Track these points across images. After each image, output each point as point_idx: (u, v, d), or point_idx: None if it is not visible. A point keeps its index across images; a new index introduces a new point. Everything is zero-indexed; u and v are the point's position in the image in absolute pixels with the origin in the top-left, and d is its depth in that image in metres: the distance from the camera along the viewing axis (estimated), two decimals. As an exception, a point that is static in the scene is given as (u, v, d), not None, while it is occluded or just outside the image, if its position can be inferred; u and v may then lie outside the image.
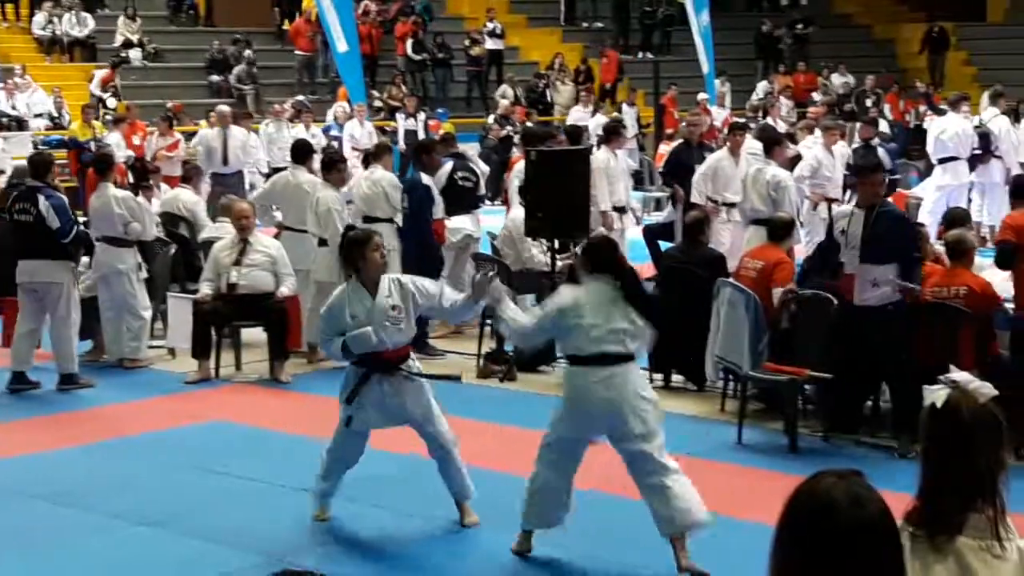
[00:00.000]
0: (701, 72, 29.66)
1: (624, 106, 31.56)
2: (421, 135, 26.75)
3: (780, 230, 12.03)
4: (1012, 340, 10.45)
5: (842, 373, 10.44)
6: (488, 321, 13.39)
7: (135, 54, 32.00)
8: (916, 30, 38.68)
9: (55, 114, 28.42)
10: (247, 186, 21.55)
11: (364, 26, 31.79)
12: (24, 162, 18.64)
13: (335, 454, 8.79)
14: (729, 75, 33.99)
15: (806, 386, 10.96)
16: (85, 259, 13.45)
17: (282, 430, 11.42)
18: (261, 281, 13.11)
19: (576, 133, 17.57)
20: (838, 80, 35.47)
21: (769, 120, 26.19)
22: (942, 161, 20.44)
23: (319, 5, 24.31)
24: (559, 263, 13.26)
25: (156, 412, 12.15)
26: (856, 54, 37.59)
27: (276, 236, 14.29)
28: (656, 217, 20.95)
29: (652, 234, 17.11)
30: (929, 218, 18.42)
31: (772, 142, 15.63)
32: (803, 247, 15.56)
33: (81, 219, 13.19)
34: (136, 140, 23.68)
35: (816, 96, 33.33)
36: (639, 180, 25.97)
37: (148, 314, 13.72)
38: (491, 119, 29.42)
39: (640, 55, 37.16)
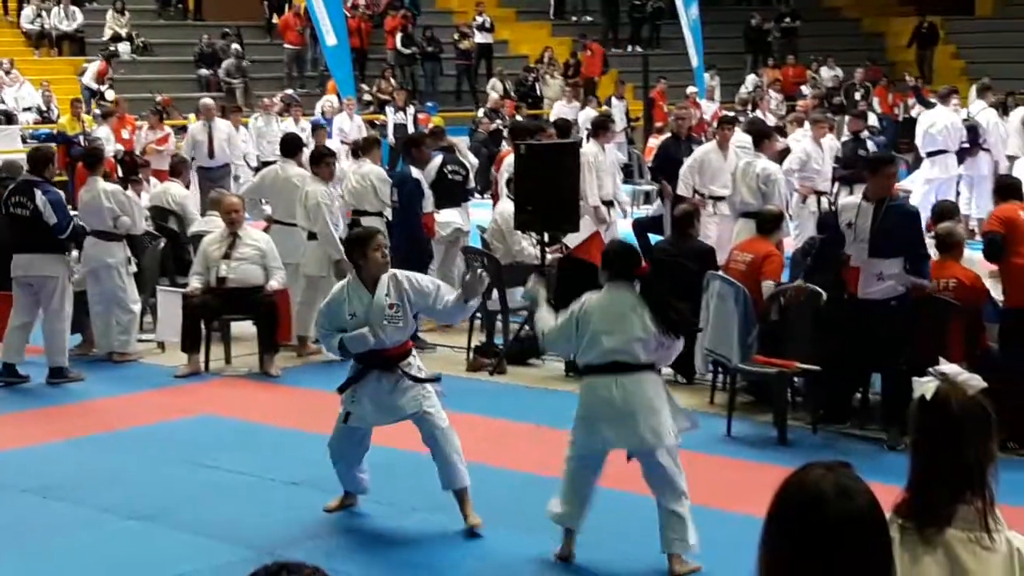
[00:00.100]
0: (690, 66, 29.70)
1: (613, 99, 31.55)
2: (411, 129, 26.76)
3: (769, 223, 12.05)
4: (1001, 333, 10.47)
5: (836, 364, 10.44)
6: (479, 315, 13.41)
7: (124, 48, 31.95)
8: (905, 24, 38.73)
9: (43, 108, 28.36)
10: (233, 179, 21.53)
11: (353, 20, 31.81)
12: (12, 156, 18.60)
13: (335, 450, 8.79)
14: (718, 69, 33.99)
15: (795, 379, 10.98)
16: (74, 253, 13.43)
17: (272, 423, 11.42)
18: (251, 275, 13.10)
19: (565, 127, 17.57)
20: (827, 73, 35.50)
21: (758, 113, 26.21)
22: (931, 154, 20.48)
23: (308, -1, 24.31)
24: (548, 256, 13.27)
25: (146, 406, 12.14)
26: (845, 47, 37.61)
27: (265, 230, 14.29)
28: (646, 211, 20.96)
29: (642, 228, 17.11)
30: (918, 211, 18.43)
31: (761, 135, 15.62)
32: (792, 240, 15.58)
33: (72, 213, 13.15)
34: (125, 134, 23.64)
35: (805, 89, 33.35)
36: (628, 174, 25.97)
37: (137, 308, 13.71)
38: (481, 113, 29.42)
39: (629, 49, 37.19)
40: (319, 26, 25.71)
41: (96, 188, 13.44)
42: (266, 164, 19.23)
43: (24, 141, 26.58)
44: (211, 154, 21.26)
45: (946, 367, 3.78)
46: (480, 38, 34.81)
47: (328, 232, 13.36)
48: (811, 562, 3.00)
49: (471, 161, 17.20)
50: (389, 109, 29.42)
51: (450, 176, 15.06)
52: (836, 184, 18.63)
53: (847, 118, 22.66)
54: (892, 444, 9.95)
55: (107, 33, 32.06)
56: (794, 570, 3.02)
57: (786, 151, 18.05)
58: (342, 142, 24.44)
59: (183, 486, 9.73)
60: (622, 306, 7.72)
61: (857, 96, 32.08)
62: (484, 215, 16.43)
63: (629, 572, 8.00)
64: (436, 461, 8.53)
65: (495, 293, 13.56)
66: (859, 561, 3.02)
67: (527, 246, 13.81)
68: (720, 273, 11.60)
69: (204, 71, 32.22)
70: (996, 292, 10.74)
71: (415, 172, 14.13)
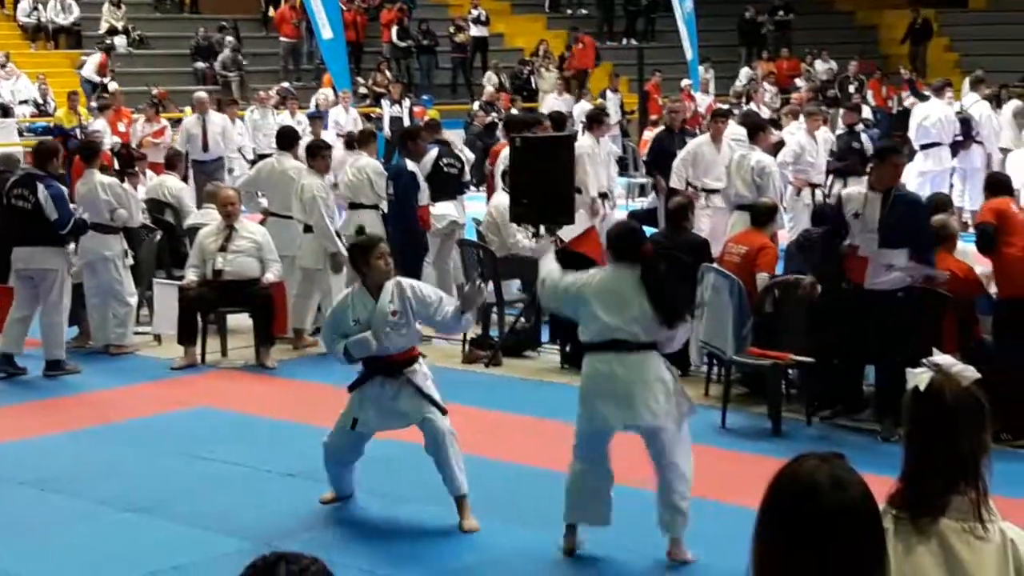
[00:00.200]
0: (685, 59, 29.71)
1: (608, 92, 31.56)
2: (406, 122, 26.74)
3: (763, 215, 12.06)
4: (994, 325, 10.49)
5: (839, 355, 10.43)
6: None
7: (120, 41, 31.91)
8: (899, 16, 38.73)
9: (40, 101, 28.34)
10: (227, 172, 21.53)
11: (349, 13, 31.76)
12: (9, 150, 18.62)
13: (330, 450, 8.80)
14: (713, 61, 34.00)
15: (789, 370, 11.01)
16: (71, 246, 13.43)
17: (268, 416, 11.43)
18: (247, 267, 13.12)
19: (560, 119, 17.57)
20: (821, 66, 35.50)
21: (752, 106, 26.22)
22: (924, 147, 20.49)
23: (304, -8, 24.30)
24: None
25: (142, 398, 12.15)
26: (839, 40, 37.62)
27: (262, 222, 14.29)
28: (641, 203, 20.98)
29: (637, 220, 17.09)
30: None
31: (756, 128, 15.65)
32: (787, 232, 15.60)
33: (72, 207, 13.15)
34: (121, 127, 23.64)
35: (799, 82, 33.35)
36: (624, 166, 25.97)
37: (134, 300, 13.71)
38: (476, 106, 29.40)
39: (624, 42, 37.17)
40: (315, 19, 25.69)
41: (93, 181, 13.44)
42: (262, 157, 19.22)
43: (21, 134, 26.59)
44: (205, 147, 21.28)
45: (940, 358, 3.80)
46: (475, 31, 34.78)
47: (324, 225, 13.37)
48: (805, 553, 3.01)
49: (467, 156, 17.21)
50: (385, 102, 29.39)
51: (446, 169, 15.07)
52: (830, 177, 18.65)
53: (841, 111, 22.69)
54: (886, 435, 9.97)
55: (103, 26, 32.01)
56: (788, 561, 3.04)
57: (780, 144, 18.07)
58: (338, 135, 24.43)
59: (180, 478, 9.74)
60: (623, 287, 7.73)
61: (851, 89, 32.10)
62: (480, 208, 16.43)
63: (629, 566, 8.02)
64: (438, 468, 8.55)
65: (491, 285, 13.57)
66: (853, 552, 3.03)
67: (522, 239, 13.81)
68: (715, 266, 11.62)
69: (200, 64, 32.19)
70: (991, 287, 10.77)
71: (411, 165, 14.14)
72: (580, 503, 8.00)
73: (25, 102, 28.33)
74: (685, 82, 29.88)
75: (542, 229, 8.73)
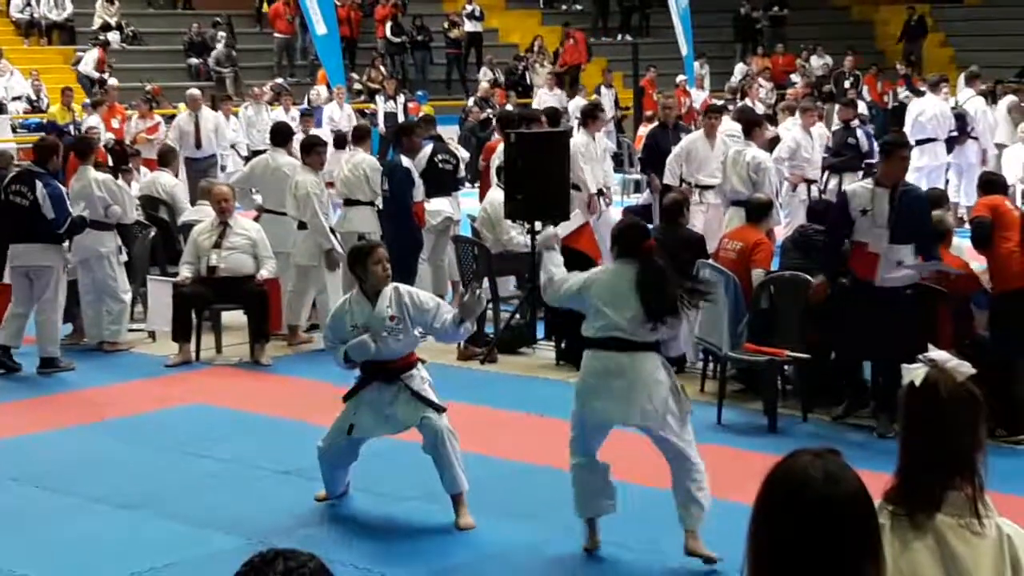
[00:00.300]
0: (680, 54, 29.69)
1: (602, 88, 31.56)
2: (401, 118, 26.72)
3: (758, 211, 12.05)
4: (990, 320, 10.48)
5: (844, 351, 10.40)
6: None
7: (114, 37, 31.88)
8: (894, 12, 38.74)
9: (33, 97, 28.32)
10: (220, 168, 21.52)
11: (343, 8, 31.76)
12: (2, 146, 18.57)
13: (324, 453, 8.79)
14: (708, 57, 33.98)
15: (785, 367, 11.00)
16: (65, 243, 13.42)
17: (263, 413, 11.42)
18: (241, 264, 13.11)
19: (555, 115, 17.55)
20: (817, 62, 35.49)
21: (747, 102, 26.21)
22: (920, 142, 20.49)
23: (298, -13, 24.30)
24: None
25: (137, 395, 12.14)
26: (834, 36, 37.61)
27: (256, 219, 14.27)
28: (636, 199, 20.97)
29: (632, 216, 17.11)
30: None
31: (751, 124, 15.62)
32: (783, 228, 15.59)
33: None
34: (115, 123, 23.63)
35: (795, 78, 33.35)
36: (619, 162, 25.96)
37: (128, 297, 13.70)
38: (471, 101, 29.40)
39: (619, 37, 37.16)
40: (309, 15, 25.70)
41: (87, 177, 13.42)
42: (256, 153, 19.21)
43: (14, 131, 26.60)
44: (198, 144, 21.29)
45: (935, 353, 3.79)
46: (470, 27, 34.78)
47: (318, 222, 13.36)
48: (799, 548, 3.01)
49: (463, 155, 17.21)
50: (379, 98, 29.39)
51: (440, 165, 15.06)
52: (826, 173, 18.65)
53: (837, 107, 22.68)
54: (882, 432, 9.97)
55: (97, 22, 31.98)
56: (782, 556, 3.03)
57: (776, 139, 18.07)
58: (332, 131, 24.43)
59: (174, 475, 9.73)
60: (623, 284, 7.70)
61: (847, 85, 32.10)
62: (474, 204, 16.43)
63: (628, 563, 8.00)
64: (436, 466, 8.53)
65: (486, 282, 13.57)
66: (847, 547, 3.03)
67: (516, 235, 13.80)
68: (710, 261, 11.61)
69: (194, 60, 32.18)
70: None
71: (405, 161, 14.11)
72: (589, 497, 7.97)
73: (18, 98, 28.33)
74: (680, 78, 29.89)
75: (550, 228, 8.62)
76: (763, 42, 37.21)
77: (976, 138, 20.99)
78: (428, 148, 15.02)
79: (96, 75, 29.23)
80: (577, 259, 12.68)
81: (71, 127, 24.68)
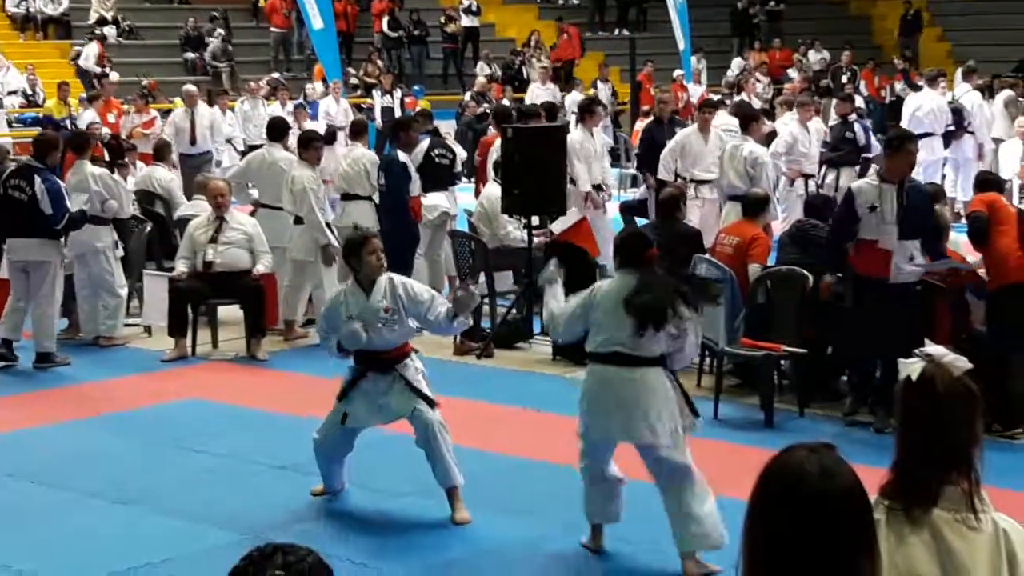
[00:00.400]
0: (677, 49, 29.67)
1: (598, 83, 31.54)
2: (397, 112, 26.72)
3: (755, 206, 12.05)
4: (987, 314, 10.47)
5: (853, 348, 10.38)
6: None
7: (110, 31, 31.85)
8: (891, 7, 38.74)
9: (29, 92, 28.28)
10: (214, 165, 21.51)
11: (339, 3, 31.71)
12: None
13: (319, 445, 8.79)
14: (705, 52, 33.99)
15: (782, 361, 11.00)
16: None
17: (259, 408, 11.42)
18: (237, 259, 13.10)
19: (551, 110, 17.53)
20: (814, 56, 35.48)
21: (744, 97, 26.21)
22: (917, 137, 20.45)
23: (294, -18, 24.29)
24: (536, 240, 13.27)
25: (132, 390, 12.14)
26: (831, 31, 37.60)
27: (252, 214, 14.27)
28: (633, 194, 20.97)
29: (629, 211, 17.13)
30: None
31: (749, 118, 15.63)
32: (780, 223, 15.60)
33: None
34: (111, 118, 23.60)
35: (792, 72, 33.34)
36: (615, 158, 25.96)
37: (124, 292, 13.69)
38: (467, 96, 29.39)
39: (616, 32, 37.14)
40: (305, 9, 25.66)
41: (84, 172, 13.41)
42: (252, 148, 19.19)
43: (10, 125, 26.56)
44: (192, 141, 21.28)
45: (932, 348, 3.79)
46: (466, 21, 34.75)
47: (314, 217, 13.35)
48: (795, 543, 3.01)
49: (460, 154, 17.21)
50: (376, 93, 29.37)
51: (437, 160, 15.05)
52: (824, 167, 18.64)
53: (834, 101, 22.68)
54: (879, 427, 9.96)
55: (92, 16, 31.95)
56: (778, 551, 3.03)
57: (773, 134, 18.06)
58: (328, 125, 24.42)
59: (170, 470, 9.73)
60: (623, 296, 7.54)
61: (844, 79, 32.11)
62: (470, 199, 16.42)
63: (626, 558, 8.00)
64: (428, 459, 8.52)
65: (482, 277, 13.57)
66: (843, 542, 3.02)
67: (513, 230, 13.80)
68: (707, 256, 11.61)
69: (190, 54, 32.15)
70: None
71: (402, 156, 14.10)
72: (596, 502, 7.92)
73: (14, 93, 28.28)
74: (677, 72, 29.87)
75: (552, 264, 8.45)
76: (760, 37, 37.18)
77: (973, 133, 20.98)
78: (425, 143, 15.02)
79: (97, 70, 29.19)
80: (573, 254, 12.70)
81: (67, 121, 24.64)
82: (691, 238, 12.40)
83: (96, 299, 13.49)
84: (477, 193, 16.30)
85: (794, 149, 17.69)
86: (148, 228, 14.68)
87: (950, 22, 38.52)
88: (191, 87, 22.85)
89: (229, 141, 23.17)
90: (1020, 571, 3.62)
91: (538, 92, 28.62)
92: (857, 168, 18.42)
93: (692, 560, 7.54)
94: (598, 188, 15.77)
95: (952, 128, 20.72)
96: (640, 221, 15.94)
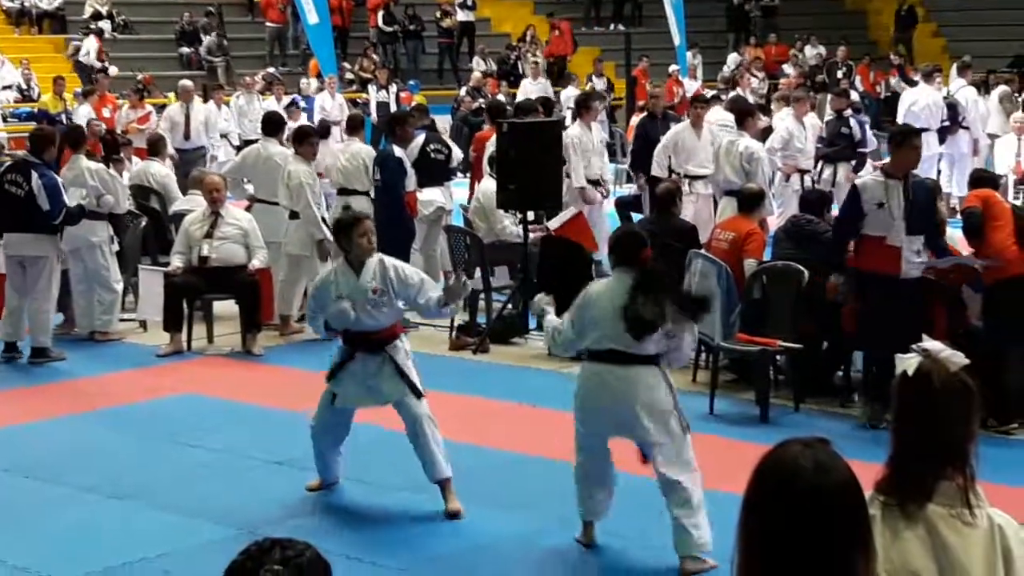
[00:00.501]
0: (672, 44, 29.66)
1: (593, 77, 31.53)
2: (393, 107, 26.69)
3: (750, 201, 12.04)
4: (983, 309, 10.46)
5: (864, 343, 10.36)
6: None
7: (105, 26, 31.80)
8: (887, 2, 38.75)
9: (24, 87, 28.26)
10: (208, 160, 21.49)
11: (335, -2, 31.70)
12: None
13: (318, 431, 8.81)
14: (701, 47, 33.98)
15: (777, 357, 11.00)
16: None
17: (254, 403, 11.41)
18: (233, 254, 13.08)
19: (548, 104, 17.52)
20: (810, 52, 35.48)
21: (739, 92, 26.20)
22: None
23: (290, -23, 24.27)
24: (532, 235, 13.27)
25: (128, 385, 12.13)
26: (827, 26, 37.61)
27: (247, 209, 14.26)
28: (628, 189, 20.95)
29: (624, 206, 17.12)
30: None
31: (744, 114, 15.62)
32: (775, 218, 15.59)
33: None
34: (106, 112, 23.57)
35: (787, 68, 33.34)
36: (611, 152, 25.94)
37: (119, 287, 13.68)
38: (463, 91, 29.37)
39: (612, 27, 37.12)
40: (301, 4, 25.64)
41: (80, 166, 13.40)
42: (248, 143, 19.16)
43: (4, 120, 26.54)
44: (187, 136, 21.26)
45: (928, 343, 3.79)
46: (462, 16, 34.73)
47: (310, 212, 13.35)
48: (790, 538, 3.00)
49: (457, 154, 17.20)
50: (371, 87, 29.34)
51: (432, 155, 15.04)
52: (820, 162, 18.65)
53: (829, 96, 22.68)
54: (874, 422, 9.94)
55: (88, 11, 31.91)
56: (773, 546, 3.02)
57: (768, 129, 18.06)
58: (322, 120, 24.38)
59: (166, 465, 9.73)
60: (619, 295, 7.52)
61: (840, 74, 32.11)
62: (465, 195, 16.40)
63: (622, 554, 8.00)
64: (417, 453, 8.53)
65: (478, 272, 13.56)
66: (837, 536, 3.02)
67: (509, 224, 13.80)
68: (702, 251, 11.61)
69: (185, 49, 32.12)
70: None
71: (397, 151, 14.09)
72: (586, 497, 7.92)
73: (9, 87, 28.25)
74: (673, 68, 29.86)
75: (540, 297, 8.42)
76: (756, 32, 37.20)
77: (968, 128, 20.99)
78: (420, 138, 15.01)
79: (98, 65, 29.15)
80: (569, 249, 12.71)
81: (63, 116, 24.61)
82: (687, 233, 12.39)
83: (92, 294, 13.48)
84: (472, 189, 16.29)
85: (790, 144, 17.68)
86: (144, 223, 14.66)
87: (945, 17, 38.53)
88: (187, 82, 22.84)
89: (224, 136, 23.15)
90: (1015, 566, 3.62)
91: (529, 88, 28.59)
92: (853, 163, 18.44)
93: (689, 557, 7.56)
94: (596, 183, 15.76)
95: (947, 124, 20.73)
96: (636, 217, 15.94)
